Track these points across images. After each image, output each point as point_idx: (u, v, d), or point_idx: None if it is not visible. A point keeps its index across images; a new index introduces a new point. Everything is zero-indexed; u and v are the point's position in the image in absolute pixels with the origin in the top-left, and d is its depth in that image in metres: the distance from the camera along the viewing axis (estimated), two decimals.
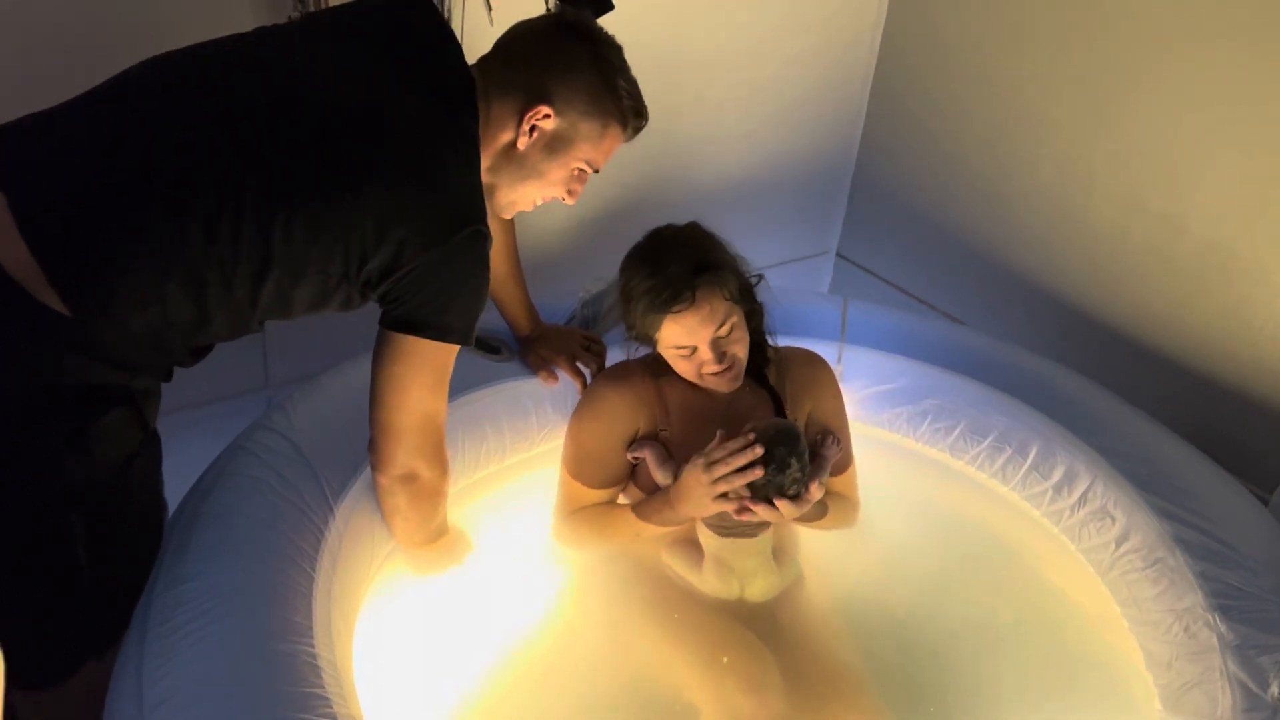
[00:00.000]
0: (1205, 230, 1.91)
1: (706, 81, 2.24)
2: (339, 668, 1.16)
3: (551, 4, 1.40)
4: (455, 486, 1.50)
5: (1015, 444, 1.69)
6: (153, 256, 1.08)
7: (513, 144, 1.28)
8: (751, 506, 1.34)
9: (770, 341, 1.56)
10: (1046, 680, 1.47)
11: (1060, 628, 1.57)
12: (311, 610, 1.18)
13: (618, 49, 1.31)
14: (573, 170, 1.32)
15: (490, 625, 1.49)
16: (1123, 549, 1.50)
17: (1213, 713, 1.25)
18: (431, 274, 1.19)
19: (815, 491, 1.35)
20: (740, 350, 1.44)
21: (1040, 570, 1.67)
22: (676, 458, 1.47)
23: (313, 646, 1.13)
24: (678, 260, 1.39)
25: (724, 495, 1.34)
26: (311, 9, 1.57)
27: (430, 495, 1.35)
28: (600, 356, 1.67)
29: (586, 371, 1.65)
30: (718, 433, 1.38)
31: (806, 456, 1.36)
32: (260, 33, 1.26)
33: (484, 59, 1.31)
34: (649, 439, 1.50)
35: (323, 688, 1.08)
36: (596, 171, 1.35)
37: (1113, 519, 1.54)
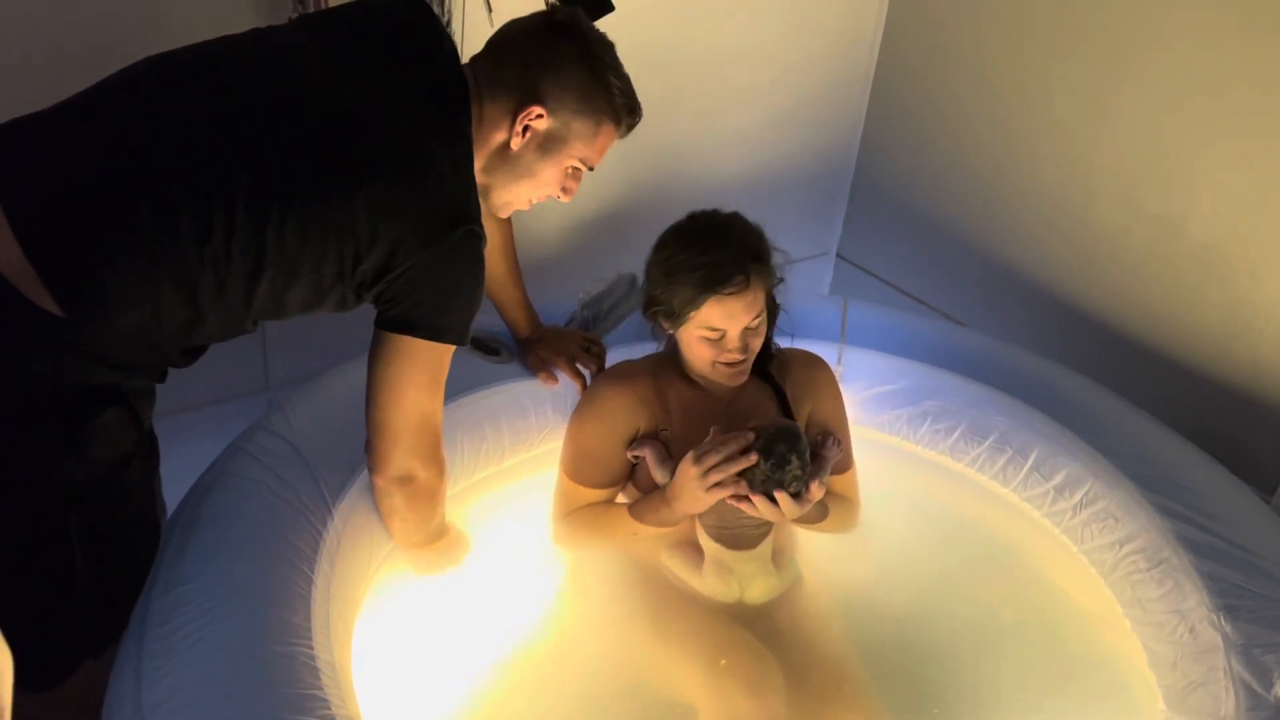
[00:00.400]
0: (1205, 231, 1.91)
1: (707, 82, 2.24)
2: (338, 669, 1.15)
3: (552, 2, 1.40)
4: (454, 488, 1.50)
5: (1016, 445, 1.69)
6: (145, 256, 1.08)
7: (506, 144, 1.28)
8: (753, 499, 1.35)
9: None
10: (1048, 681, 1.47)
11: (1062, 628, 1.57)
12: (310, 611, 1.18)
13: (609, 46, 1.30)
14: (567, 169, 1.32)
15: (489, 627, 1.49)
16: (1126, 550, 1.50)
17: (1216, 713, 1.25)
18: (426, 274, 1.19)
19: (816, 491, 1.35)
20: (757, 345, 1.46)
21: (1041, 571, 1.66)
22: (676, 457, 1.47)
23: (311, 648, 1.13)
24: (734, 245, 1.40)
25: (717, 485, 1.35)
26: (310, 9, 1.57)
27: (428, 496, 1.35)
28: (600, 358, 1.67)
29: (586, 373, 1.65)
30: (711, 429, 1.38)
31: (808, 455, 1.36)
32: (256, 33, 1.25)
33: (475, 58, 1.31)
34: (649, 438, 1.50)
35: (321, 689, 1.08)
36: (591, 169, 1.35)
37: (1115, 519, 1.53)
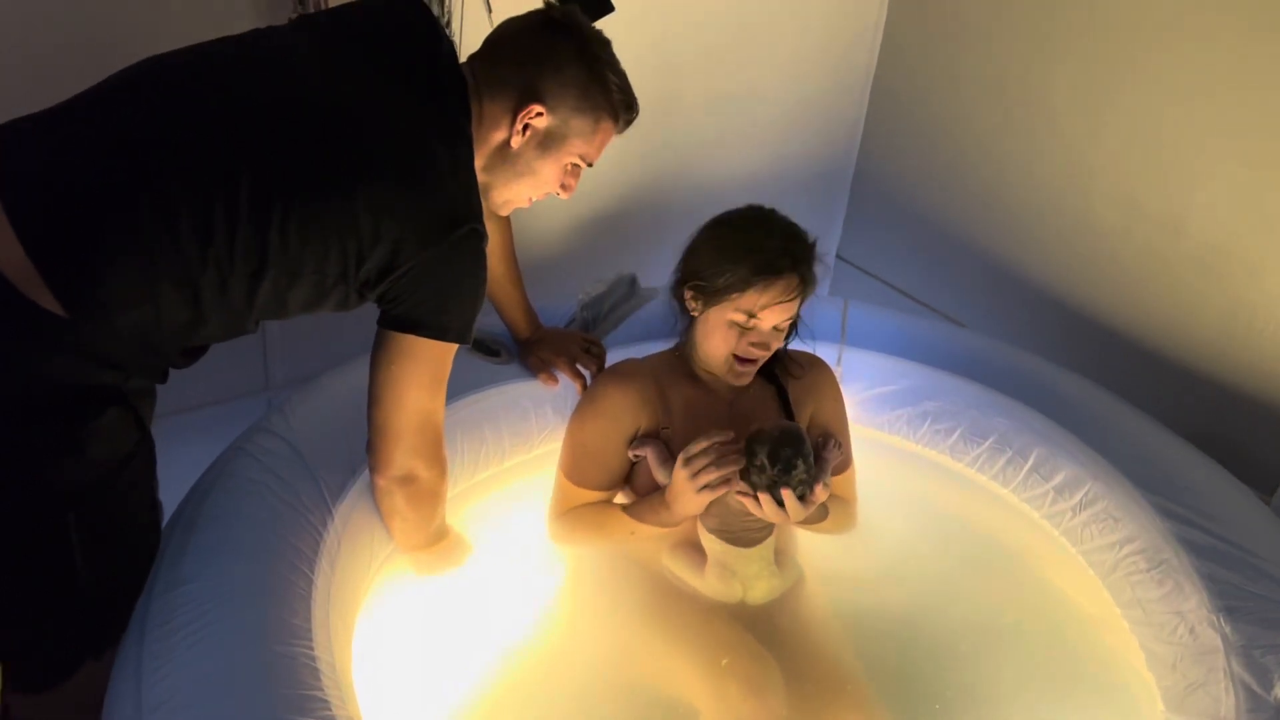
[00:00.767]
0: (1205, 231, 1.91)
1: (706, 83, 2.24)
2: (338, 670, 1.15)
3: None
4: (454, 489, 1.50)
5: (1016, 446, 1.69)
6: (145, 256, 1.08)
7: (506, 142, 1.28)
8: (760, 501, 1.35)
9: None
10: (1047, 682, 1.47)
11: (1061, 629, 1.57)
12: (310, 612, 1.18)
13: (606, 44, 1.31)
14: (566, 166, 1.33)
15: (490, 627, 1.49)
16: (1125, 551, 1.50)
17: (1216, 714, 1.25)
18: (429, 273, 1.19)
19: (820, 493, 1.36)
20: (774, 348, 1.47)
21: (1041, 572, 1.66)
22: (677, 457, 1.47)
23: (311, 648, 1.12)
24: (794, 244, 1.42)
25: (707, 487, 1.36)
26: (310, 9, 1.57)
27: (428, 496, 1.35)
28: (600, 359, 1.67)
29: (586, 374, 1.64)
30: (708, 434, 1.39)
31: (812, 458, 1.37)
32: (256, 34, 1.25)
33: (474, 57, 1.31)
34: (650, 437, 1.50)
35: (321, 690, 1.08)
36: (590, 166, 1.35)
37: (1115, 520, 1.53)
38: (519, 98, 1.26)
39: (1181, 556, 1.42)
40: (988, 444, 1.72)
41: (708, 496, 1.38)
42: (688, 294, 1.47)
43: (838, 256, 2.71)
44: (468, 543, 1.50)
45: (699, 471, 1.36)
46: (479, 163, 1.28)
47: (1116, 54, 1.99)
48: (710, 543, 1.46)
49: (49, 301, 1.05)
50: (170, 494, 1.29)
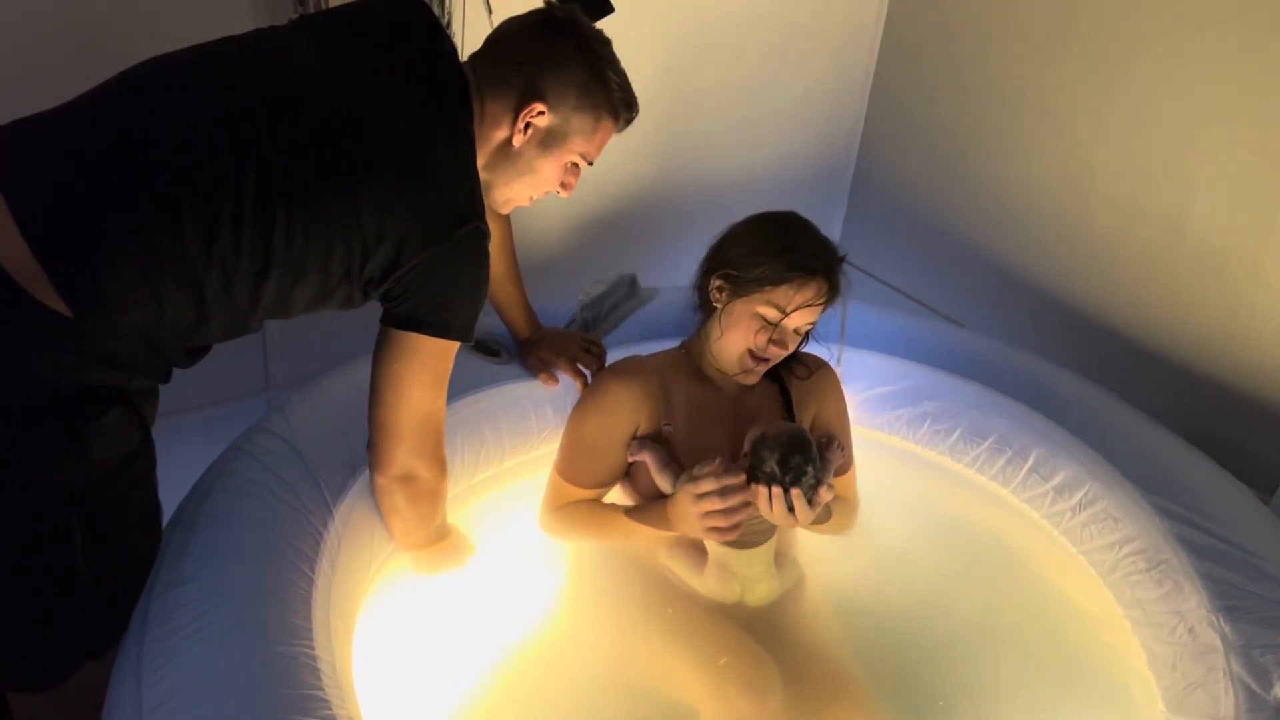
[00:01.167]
0: (1205, 232, 1.91)
1: (707, 83, 2.24)
2: (338, 669, 1.15)
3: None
4: (454, 489, 1.50)
5: (1016, 446, 1.69)
6: (147, 256, 1.08)
7: (508, 141, 1.29)
8: (773, 508, 1.35)
9: None
10: (1047, 682, 1.47)
11: (1061, 629, 1.57)
12: (310, 612, 1.18)
13: (606, 42, 1.31)
14: (567, 164, 1.33)
15: (490, 627, 1.49)
16: (1125, 550, 1.50)
17: (1216, 713, 1.25)
18: (432, 271, 1.19)
19: (825, 495, 1.36)
20: (791, 349, 1.47)
21: (1041, 572, 1.66)
22: (681, 457, 1.47)
23: (312, 648, 1.12)
24: (831, 250, 1.45)
25: (714, 529, 1.37)
26: (311, 9, 1.57)
27: (429, 495, 1.35)
28: (600, 359, 1.67)
29: (587, 373, 1.64)
30: (716, 460, 1.38)
31: (819, 461, 1.37)
32: (257, 34, 1.25)
33: (474, 56, 1.31)
34: (650, 438, 1.50)
35: (322, 689, 1.08)
36: (590, 164, 1.36)
37: (1115, 520, 1.54)
38: (520, 96, 1.26)
39: (1181, 556, 1.42)
40: (987, 444, 1.72)
41: (711, 537, 1.39)
42: (715, 283, 1.48)
43: None
44: (470, 542, 1.50)
45: (706, 513, 1.36)
46: (480, 161, 1.29)
47: (1116, 54, 1.99)
48: (712, 545, 1.46)
49: (54, 300, 1.05)
50: (170, 494, 1.29)
